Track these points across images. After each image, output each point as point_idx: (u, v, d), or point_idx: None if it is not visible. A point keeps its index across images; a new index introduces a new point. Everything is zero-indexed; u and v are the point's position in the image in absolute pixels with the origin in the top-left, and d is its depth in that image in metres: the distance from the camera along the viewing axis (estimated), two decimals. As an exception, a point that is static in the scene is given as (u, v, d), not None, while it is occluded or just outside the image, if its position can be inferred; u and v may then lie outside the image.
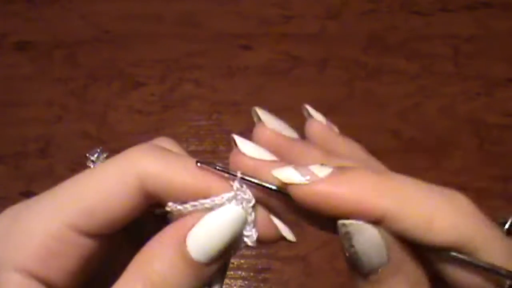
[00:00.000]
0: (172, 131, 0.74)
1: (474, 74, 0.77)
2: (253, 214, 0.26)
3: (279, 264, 0.66)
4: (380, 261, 0.23)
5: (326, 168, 0.24)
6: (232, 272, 0.65)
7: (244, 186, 0.26)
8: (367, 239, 0.23)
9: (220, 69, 0.78)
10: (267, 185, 0.25)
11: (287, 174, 0.24)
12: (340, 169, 0.24)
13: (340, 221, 0.23)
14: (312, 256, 0.66)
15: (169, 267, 0.24)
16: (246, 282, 0.65)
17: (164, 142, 0.29)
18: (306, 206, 0.24)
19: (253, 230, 0.26)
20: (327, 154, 0.27)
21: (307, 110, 0.31)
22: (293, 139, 0.28)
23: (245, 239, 0.26)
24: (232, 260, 0.66)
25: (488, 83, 0.77)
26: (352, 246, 0.23)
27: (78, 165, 0.72)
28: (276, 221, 0.27)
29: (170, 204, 0.26)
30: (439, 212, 0.23)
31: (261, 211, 0.26)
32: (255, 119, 0.28)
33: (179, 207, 0.26)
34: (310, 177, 0.24)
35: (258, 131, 0.28)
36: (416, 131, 0.72)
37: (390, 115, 0.74)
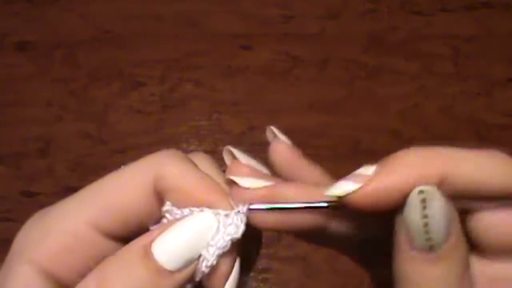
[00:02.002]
0: (172, 131, 0.74)
1: (474, 74, 0.77)
2: (221, 241, 0.25)
3: (279, 264, 0.66)
4: (445, 235, 0.23)
5: (371, 166, 0.24)
6: (232, 272, 0.65)
7: (242, 214, 0.26)
8: (439, 207, 0.23)
9: (220, 69, 0.78)
10: (312, 205, 0.26)
11: (342, 187, 0.24)
12: (383, 160, 0.24)
13: (415, 190, 0.23)
14: (312, 256, 0.66)
15: (130, 274, 0.24)
16: (247, 284, 0.65)
17: (199, 157, 0.29)
18: (369, 209, 0.24)
19: (214, 255, 0.25)
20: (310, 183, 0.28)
21: (272, 131, 0.30)
22: (267, 174, 0.28)
23: (203, 261, 0.25)
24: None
25: (488, 83, 0.77)
26: (425, 216, 0.23)
27: (78, 165, 0.72)
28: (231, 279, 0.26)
29: (168, 203, 0.26)
30: (489, 162, 0.24)
31: (228, 263, 0.26)
32: (227, 160, 0.29)
33: (175, 210, 0.25)
34: (363, 180, 0.24)
35: (275, 144, 0.29)
36: (416, 131, 0.72)
37: (390, 115, 0.74)
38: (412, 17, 0.82)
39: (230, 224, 0.25)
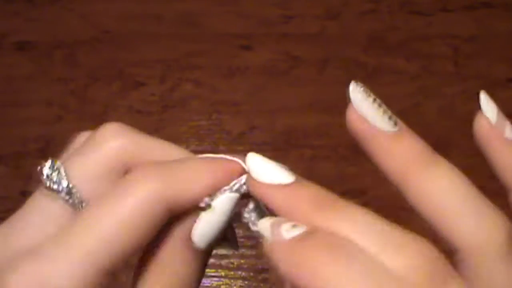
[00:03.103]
0: (172, 131, 0.74)
1: (474, 74, 0.77)
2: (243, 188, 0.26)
3: (279, 264, 0.66)
4: None
5: (297, 229, 0.22)
6: (232, 272, 0.65)
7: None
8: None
9: (220, 69, 0.78)
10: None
11: (263, 227, 0.24)
12: (307, 234, 0.22)
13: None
14: (312, 256, 0.66)
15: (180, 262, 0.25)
16: (246, 282, 0.65)
17: (113, 128, 0.27)
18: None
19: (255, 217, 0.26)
20: (321, 202, 0.25)
21: (483, 98, 0.28)
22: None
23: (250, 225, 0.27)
24: (232, 260, 0.66)
25: (488, 83, 0.77)
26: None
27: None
28: None
29: (206, 199, 0.26)
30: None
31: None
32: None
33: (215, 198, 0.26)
34: (276, 235, 0.23)
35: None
36: (416, 131, 0.72)
37: (390, 115, 0.74)
38: (412, 17, 0.82)
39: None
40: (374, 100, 0.26)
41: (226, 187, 0.26)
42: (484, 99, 0.28)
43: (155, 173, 0.24)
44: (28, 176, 0.71)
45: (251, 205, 0.27)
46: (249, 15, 0.82)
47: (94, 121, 0.82)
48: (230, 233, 0.29)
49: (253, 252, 0.66)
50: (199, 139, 0.74)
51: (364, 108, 0.27)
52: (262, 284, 0.65)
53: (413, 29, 0.81)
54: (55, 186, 0.26)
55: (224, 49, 0.80)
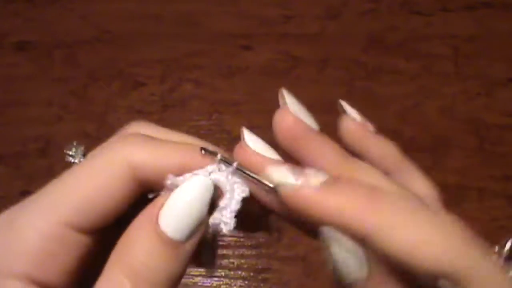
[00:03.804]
0: (172, 131, 0.74)
1: (474, 74, 0.77)
2: (233, 201, 0.26)
3: (279, 264, 0.66)
4: (358, 274, 0.23)
5: (321, 175, 0.23)
6: (232, 272, 0.65)
7: (223, 164, 0.26)
8: (345, 249, 0.23)
9: (220, 69, 0.78)
10: (262, 180, 0.25)
11: (281, 174, 0.24)
12: (334, 179, 0.23)
13: (321, 228, 0.23)
14: (312, 256, 0.66)
15: (147, 251, 0.23)
16: (246, 282, 0.65)
17: (139, 126, 0.29)
18: (293, 209, 0.24)
19: (232, 217, 0.25)
20: (344, 154, 0.26)
21: (341, 106, 0.30)
22: (312, 131, 0.27)
23: (222, 225, 0.25)
24: (232, 260, 0.66)
25: (488, 83, 0.77)
26: (331, 254, 0.23)
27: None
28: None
29: (169, 176, 0.25)
30: (428, 237, 0.22)
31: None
32: (281, 101, 0.28)
33: (178, 178, 0.26)
34: (302, 181, 0.23)
35: (279, 114, 0.27)
36: (416, 131, 0.72)
37: (390, 115, 0.74)
38: (412, 17, 0.82)
39: (235, 183, 0.26)
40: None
41: (198, 170, 0.26)
42: (345, 105, 0.31)
43: (130, 142, 0.26)
44: (28, 176, 0.71)
45: (223, 202, 0.26)
46: (249, 15, 0.82)
47: (94, 121, 0.83)
48: (206, 250, 0.28)
49: (253, 252, 0.66)
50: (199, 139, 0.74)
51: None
52: (262, 284, 0.65)
53: (413, 29, 0.81)
54: (70, 159, 0.31)
55: (224, 49, 0.80)
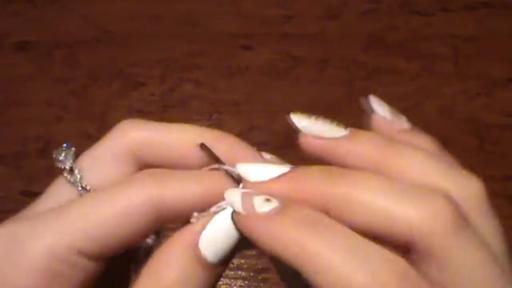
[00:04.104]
0: (172, 131, 0.74)
1: (474, 74, 0.77)
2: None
3: (279, 264, 0.66)
4: None
5: (271, 203, 0.23)
6: (232, 272, 0.65)
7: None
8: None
9: (220, 69, 0.78)
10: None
11: (231, 197, 0.24)
12: (282, 207, 0.23)
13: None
14: (312, 256, 0.66)
15: (182, 271, 0.23)
16: (246, 282, 0.65)
17: (133, 125, 0.29)
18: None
19: None
20: (386, 137, 0.27)
21: (368, 103, 0.29)
22: (337, 141, 0.27)
23: None
24: (232, 260, 0.66)
25: (488, 83, 0.77)
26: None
27: (78, 165, 0.72)
28: None
29: (195, 214, 0.25)
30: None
31: None
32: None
33: (202, 214, 0.25)
34: (248, 208, 0.23)
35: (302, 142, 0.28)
36: (416, 131, 0.72)
37: (390, 115, 0.74)
38: (412, 17, 0.82)
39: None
40: (316, 118, 0.28)
41: (222, 203, 0.25)
42: (373, 100, 0.30)
43: (150, 178, 0.25)
44: (28, 176, 0.71)
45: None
46: (249, 15, 0.82)
47: (94, 121, 0.83)
48: None
49: (253, 252, 0.66)
50: (199, 139, 0.74)
51: (312, 129, 0.28)
52: (262, 284, 0.65)
53: (413, 29, 0.81)
54: (60, 165, 0.28)
55: (224, 49, 0.80)
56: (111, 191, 0.25)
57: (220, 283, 0.65)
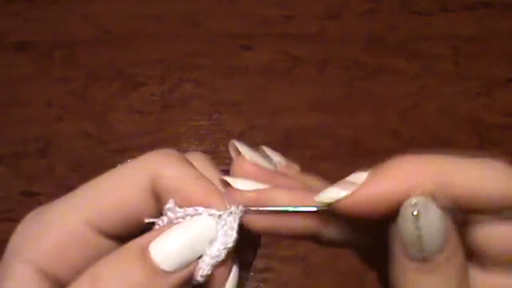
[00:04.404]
0: (172, 131, 0.74)
1: (474, 74, 0.77)
2: (214, 250, 0.25)
3: (279, 264, 0.66)
4: (438, 246, 0.23)
5: (363, 173, 0.24)
6: (232, 272, 0.65)
7: (233, 215, 0.26)
8: (432, 219, 0.23)
9: (220, 69, 0.78)
10: (307, 209, 0.25)
11: (331, 194, 0.24)
12: (377, 167, 0.24)
13: (408, 201, 0.23)
14: (312, 256, 0.66)
15: (121, 269, 0.24)
16: (246, 282, 0.65)
17: (196, 156, 0.29)
18: (357, 216, 0.24)
19: (209, 265, 0.25)
20: (306, 187, 0.27)
21: (234, 147, 0.28)
22: (271, 171, 0.28)
23: (197, 271, 0.25)
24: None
25: (488, 83, 0.77)
26: (419, 227, 0.23)
27: (78, 165, 0.72)
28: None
29: (170, 200, 0.26)
30: (487, 173, 0.24)
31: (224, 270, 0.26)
32: (233, 154, 0.28)
33: (178, 209, 0.25)
34: (353, 187, 0.24)
35: (236, 164, 0.28)
36: (416, 131, 0.72)
37: (390, 115, 0.74)
38: (412, 17, 0.82)
39: (224, 226, 0.25)
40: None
41: (200, 208, 0.25)
42: (239, 147, 0.29)
43: (160, 158, 0.27)
44: (28, 176, 0.71)
45: (209, 248, 0.25)
46: (249, 15, 0.82)
47: (94, 121, 0.83)
48: None
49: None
50: (199, 139, 0.74)
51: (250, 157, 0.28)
52: (262, 284, 0.65)
53: (413, 29, 0.81)
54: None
55: (224, 49, 0.80)
56: (120, 169, 0.27)
57: (220, 283, 0.65)
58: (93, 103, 0.76)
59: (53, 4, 0.83)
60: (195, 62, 0.79)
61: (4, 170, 0.72)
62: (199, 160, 0.28)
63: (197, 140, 0.74)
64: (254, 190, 0.26)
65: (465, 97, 0.76)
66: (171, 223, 0.25)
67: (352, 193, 0.23)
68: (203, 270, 0.25)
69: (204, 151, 0.78)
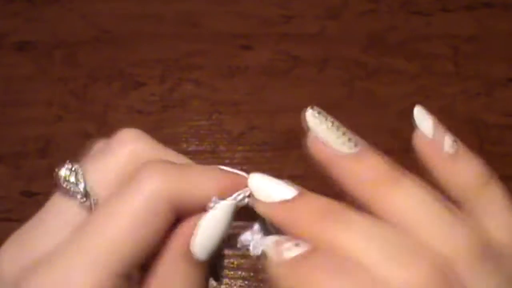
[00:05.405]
0: (172, 131, 0.74)
1: (474, 74, 0.77)
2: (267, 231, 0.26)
3: (279, 264, 0.66)
4: None
5: (299, 248, 0.23)
6: (232, 272, 0.65)
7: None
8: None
9: (220, 69, 0.78)
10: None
11: (267, 245, 0.25)
12: (308, 252, 0.23)
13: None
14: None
15: (179, 274, 0.25)
16: (246, 282, 0.65)
17: (129, 133, 0.29)
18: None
19: (262, 243, 0.26)
20: (389, 168, 0.26)
21: (414, 115, 0.27)
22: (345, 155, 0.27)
23: (251, 248, 0.27)
24: (232, 260, 0.66)
25: (488, 83, 0.77)
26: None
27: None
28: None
29: (214, 199, 0.26)
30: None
31: None
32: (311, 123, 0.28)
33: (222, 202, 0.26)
34: (276, 253, 0.24)
35: (311, 144, 0.28)
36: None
37: (390, 115, 0.74)
38: (412, 17, 0.82)
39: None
40: (332, 123, 0.26)
41: (229, 197, 0.26)
42: (418, 113, 0.28)
43: (160, 172, 0.25)
44: (28, 176, 0.71)
45: (255, 227, 0.26)
46: (249, 15, 0.82)
47: (94, 121, 0.83)
48: (218, 263, 0.29)
49: (253, 252, 0.66)
50: (199, 139, 0.74)
51: (322, 133, 0.27)
52: (262, 284, 0.65)
53: (413, 29, 0.81)
54: (72, 188, 0.26)
55: (224, 49, 0.80)
56: (122, 197, 0.24)
57: (220, 283, 0.65)
58: (93, 103, 0.76)
59: (53, 4, 0.83)
60: (195, 62, 0.79)
61: (3, 170, 0.72)
62: (146, 143, 0.28)
63: (197, 140, 0.74)
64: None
65: (465, 97, 0.76)
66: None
67: (272, 261, 0.24)
68: (257, 249, 0.26)
69: (204, 151, 0.79)
